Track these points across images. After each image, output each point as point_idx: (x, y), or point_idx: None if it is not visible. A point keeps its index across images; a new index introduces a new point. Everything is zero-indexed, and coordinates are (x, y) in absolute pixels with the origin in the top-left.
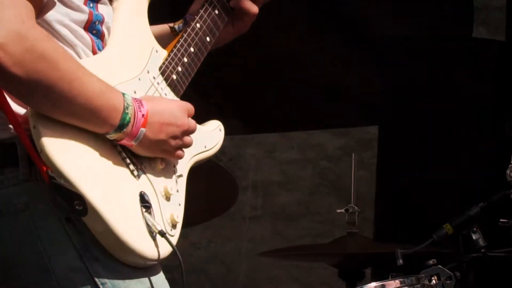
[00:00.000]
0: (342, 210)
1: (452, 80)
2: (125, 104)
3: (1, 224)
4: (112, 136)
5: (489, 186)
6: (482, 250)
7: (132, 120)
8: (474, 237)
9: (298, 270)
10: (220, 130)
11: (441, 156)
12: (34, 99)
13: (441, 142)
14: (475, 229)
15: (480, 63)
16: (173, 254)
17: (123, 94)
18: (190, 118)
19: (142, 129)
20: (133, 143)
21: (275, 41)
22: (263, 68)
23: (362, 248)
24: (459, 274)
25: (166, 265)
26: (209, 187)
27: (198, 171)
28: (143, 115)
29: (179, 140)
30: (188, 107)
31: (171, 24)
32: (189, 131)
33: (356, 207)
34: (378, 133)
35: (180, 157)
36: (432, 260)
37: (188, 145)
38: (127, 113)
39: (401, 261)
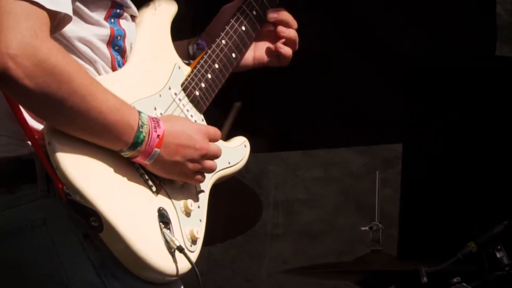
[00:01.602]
0: (366, 228)
1: (476, 98)
2: (140, 123)
3: (20, 240)
4: (126, 154)
5: None
6: (507, 268)
7: (146, 139)
8: (498, 255)
9: None
10: (245, 146)
11: (464, 174)
12: (45, 112)
13: (464, 160)
14: (499, 247)
15: (504, 81)
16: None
17: (139, 112)
18: (213, 143)
19: (156, 149)
20: (147, 162)
21: (300, 59)
22: (287, 87)
23: (386, 266)
24: None
25: (190, 281)
26: (233, 205)
27: (222, 189)
28: (158, 135)
29: (197, 164)
30: (210, 131)
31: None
32: (209, 155)
33: (380, 225)
34: (402, 150)
35: (200, 181)
36: (456, 278)
37: (209, 170)
38: (141, 132)
39: (425, 279)
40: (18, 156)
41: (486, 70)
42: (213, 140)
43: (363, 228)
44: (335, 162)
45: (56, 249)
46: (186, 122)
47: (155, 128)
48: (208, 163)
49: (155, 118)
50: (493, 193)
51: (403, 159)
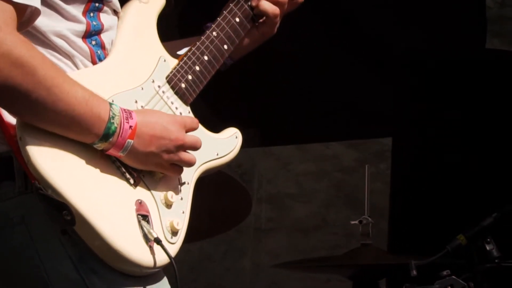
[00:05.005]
0: (356, 222)
1: (466, 92)
2: (111, 114)
3: (0, 239)
4: (99, 146)
5: (502, 197)
6: (496, 261)
7: (118, 130)
8: (488, 248)
9: (314, 282)
10: (236, 137)
11: (454, 167)
12: (12, 106)
13: (454, 153)
14: (488, 239)
15: (495, 74)
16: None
17: (110, 103)
18: (190, 134)
19: (129, 140)
20: (120, 153)
21: (292, 55)
22: (279, 81)
23: (376, 260)
24: (473, 284)
25: (179, 278)
26: (224, 200)
27: (213, 184)
28: (130, 126)
29: (173, 155)
30: (186, 121)
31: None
32: (186, 146)
33: (369, 219)
34: (392, 144)
35: (178, 173)
36: (446, 271)
37: (186, 162)
38: (113, 123)
39: (415, 272)
40: None
41: (475, 63)
42: (190, 129)
43: (352, 222)
44: (326, 156)
45: (35, 246)
46: (161, 114)
47: (127, 119)
48: (185, 155)
49: (127, 110)
50: (482, 186)
51: (393, 153)
